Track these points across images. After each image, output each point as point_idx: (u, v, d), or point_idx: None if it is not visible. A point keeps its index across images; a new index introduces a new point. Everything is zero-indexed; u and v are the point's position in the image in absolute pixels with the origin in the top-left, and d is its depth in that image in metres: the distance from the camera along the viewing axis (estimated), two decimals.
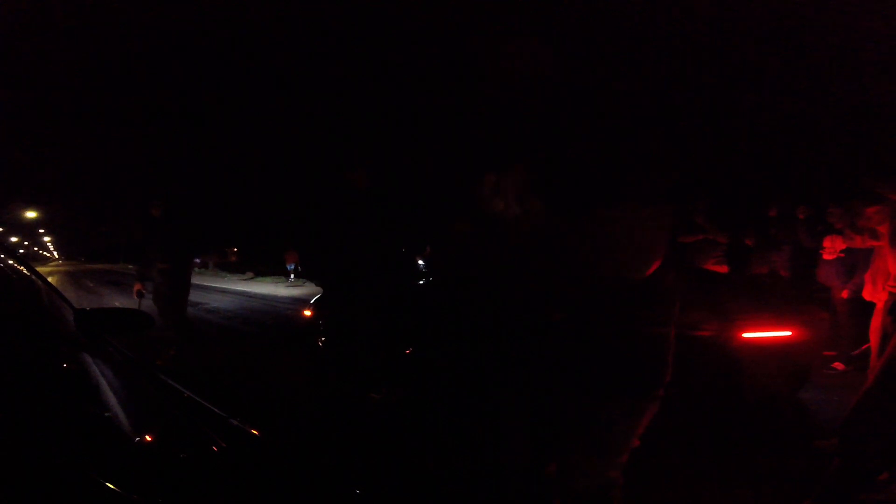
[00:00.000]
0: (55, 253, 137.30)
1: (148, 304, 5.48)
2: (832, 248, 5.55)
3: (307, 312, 5.42)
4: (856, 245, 4.08)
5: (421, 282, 4.69)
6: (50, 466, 0.92)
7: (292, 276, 20.70)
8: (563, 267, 1.40)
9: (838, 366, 5.32)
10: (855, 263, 5.32)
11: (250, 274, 25.45)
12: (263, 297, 15.26)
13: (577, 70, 1.49)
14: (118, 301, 13.18)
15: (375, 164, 4.12)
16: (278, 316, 10.74)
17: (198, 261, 28.12)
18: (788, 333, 3.71)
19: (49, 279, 2.63)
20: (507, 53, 1.45)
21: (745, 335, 3.60)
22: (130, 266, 7.29)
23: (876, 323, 3.78)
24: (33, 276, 1.90)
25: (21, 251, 64.94)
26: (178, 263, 5.59)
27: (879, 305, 3.75)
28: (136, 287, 5.63)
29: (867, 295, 4.01)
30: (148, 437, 1.28)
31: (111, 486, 0.92)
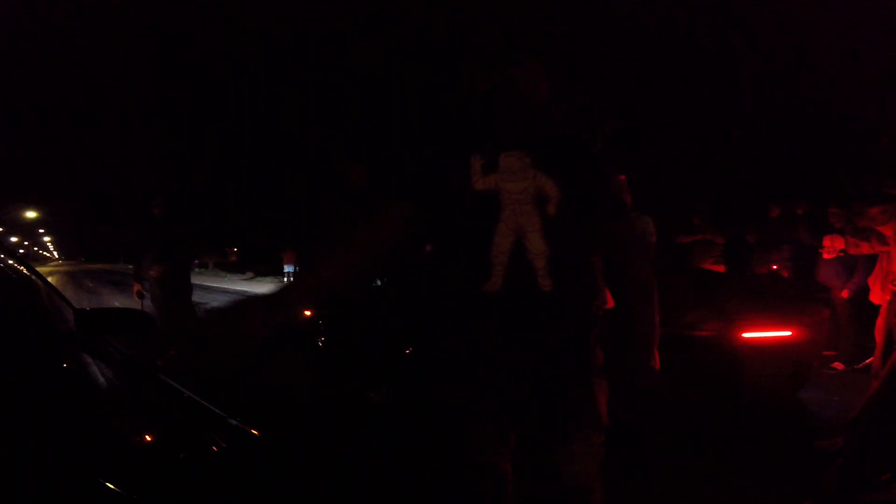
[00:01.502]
0: (55, 253, 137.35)
1: (149, 304, 5.47)
2: (832, 247, 5.54)
3: (307, 312, 5.41)
4: (863, 252, 4.04)
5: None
6: (50, 466, 0.92)
7: (288, 277, 20.52)
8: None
9: (838, 366, 5.32)
10: (855, 263, 5.32)
11: (250, 274, 25.44)
12: None
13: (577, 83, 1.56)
14: (118, 301, 13.17)
15: (374, 163, 4.12)
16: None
17: (197, 261, 28.06)
18: (789, 333, 3.71)
19: (49, 279, 2.62)
20: (506, 76, 1.50)
21: (745, 335, 3.60)
22: (130, 266, 7.31)
23: (880, 323, 3.77)
24: (33, 276, 1.90)
25: (21, 251, 64.92)
26: (174, 266, 5.56)
27: (884, 306, 3.74)
28: (136, 288, 5.61)
29: (874, 298, 4.00)
30: (148, 437, 1.28)
31: (111, 486, 0.92)
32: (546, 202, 1.45)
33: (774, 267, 6.49)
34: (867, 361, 4.73)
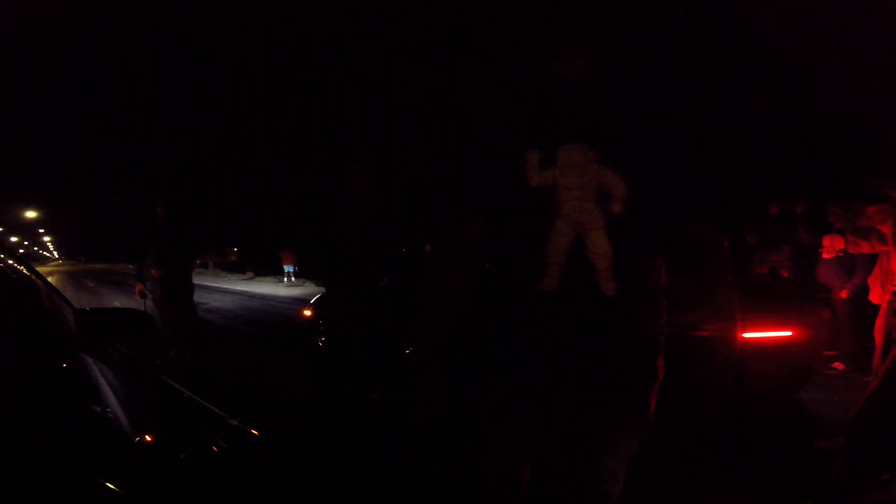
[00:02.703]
0: (55, 253, 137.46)
1: (150, 303, 5.47)
2: (831, 247, 5.54)
3: (307, 312, 5.42)
4: (863, 251, 4.05)
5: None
6: (50, 466, 0.92)
7: (288, 277, 20.41)
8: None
9: (838, 366, 5.32)
10: (854, 263, 5.32)
11: (250, 274, 25.41)
12: (263, 297, 15.27)
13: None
14: (118, 301, 13.18)
15: (376, 163, 4.12)
16: (278, 316, 10.75)
17: (198, 261, 27.99)
18: (789, 333, 3.71)
19: (49, 279, 2.62)
20: (548, 55, 1.41)
21: (745, 335, 3.60)
22: (130, 266, 7.29)
23: (879, 323, 3.78)
24: (33, 276, 1.90)
25: (21, 251, 64.93)
26: (175, 268, 5.56)
27: (884, 306, 3.75)
28: (138, 287, 5.60)
29: (874, 298, 4.00)
30: (148, 437, 1.28)
31: (111, 486, 0.92)
32: (610, 199, 1.35)
33: (774, 267, 6.49)
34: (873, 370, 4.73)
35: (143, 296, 5.54)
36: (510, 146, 1.44)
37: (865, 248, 3.98)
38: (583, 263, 1.35)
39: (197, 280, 6.01)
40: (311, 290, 14.33)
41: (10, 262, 1.91)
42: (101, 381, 1.43)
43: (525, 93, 1.49)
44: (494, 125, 1.54)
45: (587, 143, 1.37)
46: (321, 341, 4.99)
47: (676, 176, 1.43)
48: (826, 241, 5.60)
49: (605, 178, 1.35)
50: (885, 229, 3.60)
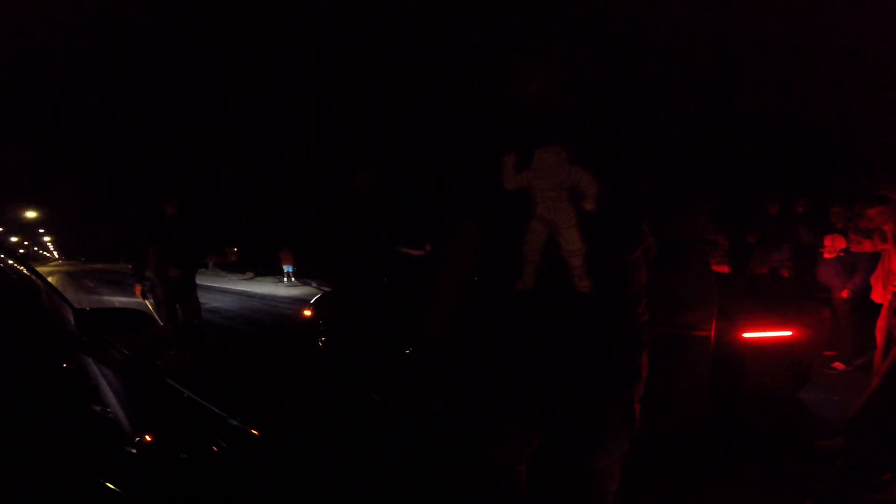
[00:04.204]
0: (55, 253, 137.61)
1: (151, 303, 5.47)
2: (832, 246, 5.54)
3: (307, 312, 5.42)
4: (865, 249, 4.06)
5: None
6: (50, 466, 0.92)
7: (288, 277, 20.37)
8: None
9: (838, 366, 5.32)
10: (855, 263, 5.31)
11: (250, 274, 25.41)
12: (263, 297, 15.27)
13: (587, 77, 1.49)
14: (118, 301, 13.17)
15: (381, 164, 4.13)
16: (278, 316, 10.75)
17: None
18: (789, 333, 3.71)
19: (49, 279, 2.62)
20: (508, 74, 1.44)
21: (745, 335, 3.60)
22: (130, 266, 7.31)
23: (881, 323, 3.77)
24: (33, 276, 1.90)
25: (21, 251, 64.93)
26: (189, 267, 5.55)
27: (885, 305, 3.74)
28: (138, 288, 5.58)
29: (876, 297, 4.00)
30: (148, 437, 1.28)
31: (111, 486, 0.92)
32: (583, 198, 1.36)
33: (774, 267, 6.49)
34: (867, 359, 4.73)
35: (145, 296, 5.53)
36: (489, 151, 1.48)
37: (867, 246, 3.99)
38: (556, 261, 1.37)
39: (197, 280, 6.01)
40: (311, 291, 14.33)
41: (10, 262, 1.91)
42: (101, 381, 1.43)
43: (500, 102, 1.52)
44: (476, 131, 1.58)
45: (561, 145, 1.39)
46: (321, 341, 5.00)
47: (650, 173, 1.43)
48: (827, 241, 5.59)
49: (577, 177, 1.37)
50: (887, 228, 3.61)
